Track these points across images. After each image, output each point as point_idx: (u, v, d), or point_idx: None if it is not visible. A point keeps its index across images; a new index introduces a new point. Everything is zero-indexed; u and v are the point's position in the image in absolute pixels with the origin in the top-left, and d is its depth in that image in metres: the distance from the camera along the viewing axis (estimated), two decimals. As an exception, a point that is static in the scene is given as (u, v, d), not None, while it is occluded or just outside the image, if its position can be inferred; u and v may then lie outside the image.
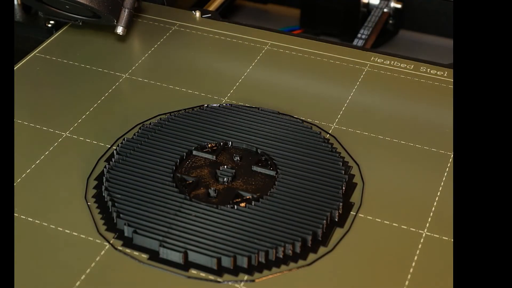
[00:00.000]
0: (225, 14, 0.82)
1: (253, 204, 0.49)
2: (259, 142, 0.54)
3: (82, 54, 0.66)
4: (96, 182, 0.52)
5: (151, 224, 0.47)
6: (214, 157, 0.52)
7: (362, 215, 0.50)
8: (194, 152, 0.53)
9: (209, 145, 0.53)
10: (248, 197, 0.50)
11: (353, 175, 0.52)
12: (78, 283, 0.45)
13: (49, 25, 0.71)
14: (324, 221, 0.47)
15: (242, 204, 0.49)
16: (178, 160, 0.52)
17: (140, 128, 0.55)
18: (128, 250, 0.47)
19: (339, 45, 0.67)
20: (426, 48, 0.82)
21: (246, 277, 0.45)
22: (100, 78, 0.62)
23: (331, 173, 0.51)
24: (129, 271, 0.46)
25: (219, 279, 0.45)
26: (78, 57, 0.65)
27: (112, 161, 0.52)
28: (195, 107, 0.58)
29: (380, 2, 0.82)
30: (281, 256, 0.46)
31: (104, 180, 0.50)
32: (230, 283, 0.45)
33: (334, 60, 0.65)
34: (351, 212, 0.50)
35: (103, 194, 0.50)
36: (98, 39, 0.68)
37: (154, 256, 0.46)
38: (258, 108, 0.57)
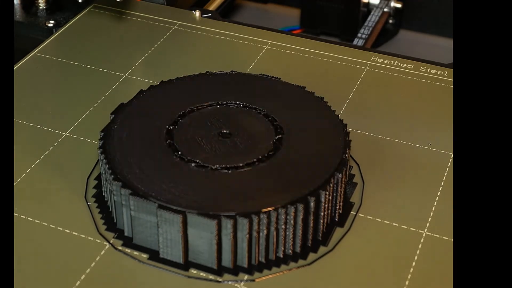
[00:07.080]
0: (225, 13, 0.82)
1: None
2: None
3: (82, 54, 0.66)
4: (96, 182, 0.52)
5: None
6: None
7: (362, 215, 0.50)
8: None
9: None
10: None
11: (353, 175, 0.52)
12: (78, 283, 0.45)
13: (49, 25, 0.71)
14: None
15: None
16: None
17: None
18: (128, 250, 0.47)
19: (339, 45, 0.67)
20: (426, 48, 0.82)
21: (246, 276, 0.45)
22: (100, 78, 0.62)
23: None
24: (129, 271, 0.45)
25: (219, 279, 0.45)
26: (78, 57, 0.65)
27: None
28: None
29: (380, 2, 0.82)
30: (281, 256, 0.46)
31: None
32: (230, 282, 0.45)
33: (334, 60, 0.65)
34: (351, 212, 0.50)
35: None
36: (98, 39, 0.68)
37: (154, 255, 0.46)
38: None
